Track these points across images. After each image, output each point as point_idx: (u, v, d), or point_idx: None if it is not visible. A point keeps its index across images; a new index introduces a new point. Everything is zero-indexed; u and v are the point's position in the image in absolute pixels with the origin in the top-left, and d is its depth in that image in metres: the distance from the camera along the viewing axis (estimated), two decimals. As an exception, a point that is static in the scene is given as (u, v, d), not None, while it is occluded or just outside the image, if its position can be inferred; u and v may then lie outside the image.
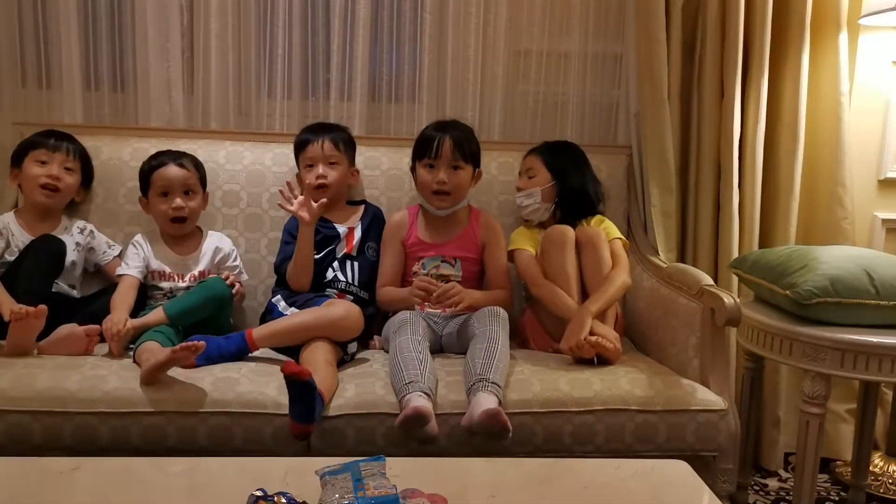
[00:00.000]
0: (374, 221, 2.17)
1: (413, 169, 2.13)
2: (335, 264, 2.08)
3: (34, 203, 2.04)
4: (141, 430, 1.59)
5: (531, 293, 2.05)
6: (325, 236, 2.09)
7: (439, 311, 1.97)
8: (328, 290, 2.05)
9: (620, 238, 2.09)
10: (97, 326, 1.80)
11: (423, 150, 2.06)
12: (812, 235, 2.33)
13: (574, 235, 1.99)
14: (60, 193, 2.04)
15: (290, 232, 2.09)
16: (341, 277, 2.07)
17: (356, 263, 2.10)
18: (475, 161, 2.09)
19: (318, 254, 2.06)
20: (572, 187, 2.13)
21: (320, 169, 2.10)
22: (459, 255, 2.08)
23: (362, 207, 2.20)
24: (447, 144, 2.02)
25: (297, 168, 2.19)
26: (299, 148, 2.16)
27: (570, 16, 2.41)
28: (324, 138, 2.12)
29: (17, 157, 2.05)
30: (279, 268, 2.09)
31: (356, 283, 2.08)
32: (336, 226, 2.12)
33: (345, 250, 2.10)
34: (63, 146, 2.06)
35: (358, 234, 2.12)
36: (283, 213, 2.18)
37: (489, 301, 1.93)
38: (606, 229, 2.08)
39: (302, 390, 1.54)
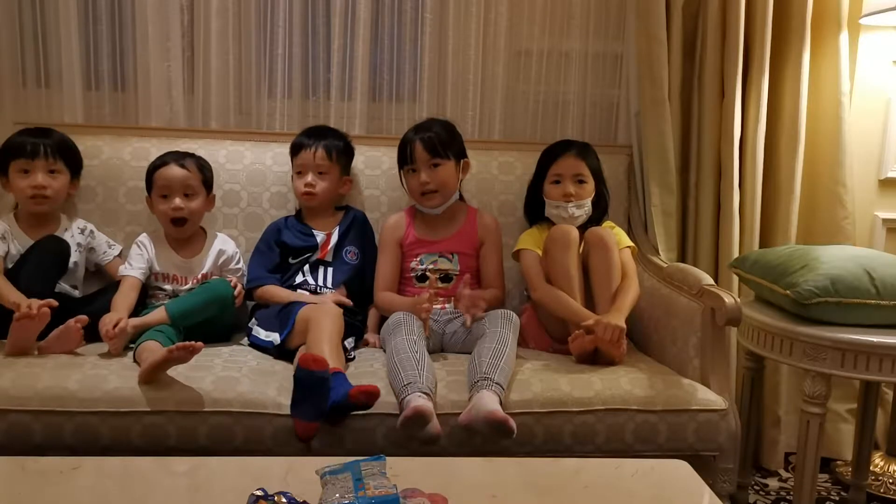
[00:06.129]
0: (354, 225, 2.16)
1: (401, 178, 2.15)
2: (306, 268, 2.09)
3: (29, 211, 2.01)
4: (141, 430, 1.59)
5: (531, 297, 2.05)
6: (304, 244, 2.10)
7: (440, 307, 1.99)
8: (299, 290, 2.05)
9: (630, 246, 2.08)
10: (85, 317, 1.77)
11: (403, 157, 2.08)
12: (812, 235, 2.33)
13: (577, 236, 1.97)
14: (51, 199, 2.00)
15: (269, 242, 2.11)
16: (311, 281, 2.08)
17: (329, 269, 2.10)
18: (456, 154, 2.09)
19: (294, 259, 2.10)
20: (601, 192, 2.13)
21: (309, 177, 2.10)
22: (457, 251, 2.09)
23: (343, 213, 2.19)
24: (418, 147, 2.04)
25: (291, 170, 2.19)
26: (293, 151, 2.15)
27: (571, 16, 2.40)
28: (317, 146, 2.10)
29: (1, 166, 2.00)
30: (250, 289, 2.06)
31: (328, 286, 2.08)
32: (315, 233, 2.12)
33: (317, 256, 2.10)
34: (40, 148, 1.97)
35: (334, 238, 2.12)
36: (283, 213, 2.20)
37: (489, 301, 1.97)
38: (617, 235, 2.06)
39: (313, 385, 1.53)
